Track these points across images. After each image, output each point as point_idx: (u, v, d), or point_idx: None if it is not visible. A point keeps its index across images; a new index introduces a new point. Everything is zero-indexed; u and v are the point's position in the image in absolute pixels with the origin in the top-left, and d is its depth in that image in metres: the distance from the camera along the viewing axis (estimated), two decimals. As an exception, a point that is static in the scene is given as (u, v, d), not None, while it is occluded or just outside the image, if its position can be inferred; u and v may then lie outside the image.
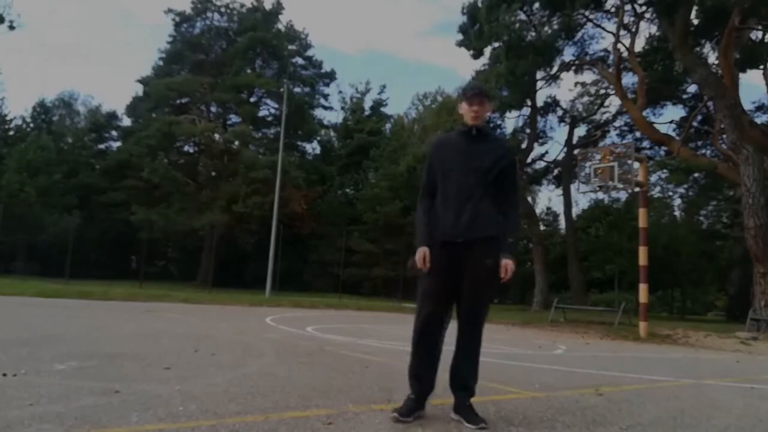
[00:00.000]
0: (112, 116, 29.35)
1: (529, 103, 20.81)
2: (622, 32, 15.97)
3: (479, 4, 17.16)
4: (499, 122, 22.33)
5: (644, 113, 16.41)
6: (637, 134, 20.21)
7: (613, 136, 22.19)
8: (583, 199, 30.46)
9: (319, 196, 26.21)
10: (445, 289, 2.08)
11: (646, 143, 20.51)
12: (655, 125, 17.44)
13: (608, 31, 17.73)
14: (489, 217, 2.08)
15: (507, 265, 2.05)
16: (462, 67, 75.65)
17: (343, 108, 32.86)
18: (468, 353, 2.13)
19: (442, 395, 2.16)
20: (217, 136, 24.72)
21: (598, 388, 3.16)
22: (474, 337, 2.13)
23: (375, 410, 2.21)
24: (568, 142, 22.48)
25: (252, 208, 21.72)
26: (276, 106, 26.80)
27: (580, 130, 23.80)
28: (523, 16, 17.18)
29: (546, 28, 17.82)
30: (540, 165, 24.48)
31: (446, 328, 2.14)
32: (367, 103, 32.19)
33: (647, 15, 16.32)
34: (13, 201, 19.37)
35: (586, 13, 17.23)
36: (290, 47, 23.10)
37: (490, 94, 2.25)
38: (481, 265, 2.04)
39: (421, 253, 2.12)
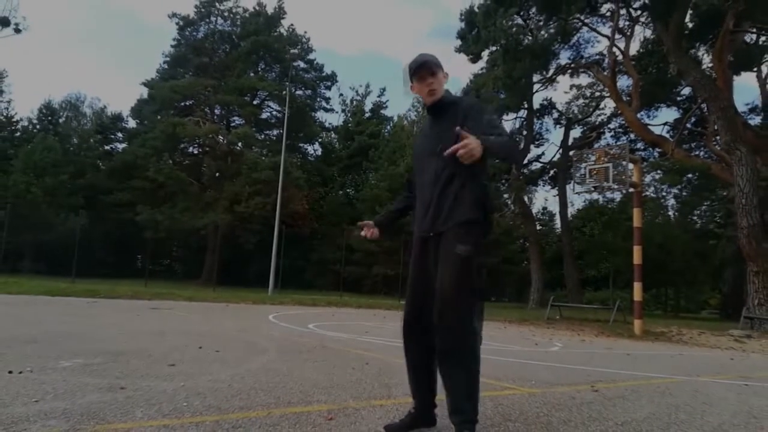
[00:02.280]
0: (118, 118, 29.57)
1: (526, 105, 20.95)
2: (617, 36, 16.15)
3: (476, 10, 17.28)
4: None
5: (638, 115, 16.59)
6: (632, 136, 20.41)
7: (607, 138, 22.44)
8: (578, 199, 30.67)
9: (321, 197, 26.31)
10: (426, 286, 1.79)
11: (640, 145, 20.71)
12: (649, 127, 17.62)
13: (603, 35, 17.92)
14: (459, 201, 1.75)
15: (464, 134, 1.56)
16: (461, 71, 75.77)
17: (343, 110, 32.99)
18: (452, 368, 1.70)
19: (441, 392, 2.18)
20: (220, 137, 24.88)
21: (593, 385, 3.21)
22: (460, 351, 1.69)
23: (375, 406, 2.24)
24: (564, 143, 22.64)
25: (254, 208, 21.85)
26: (278, 108, 26.93)
27: (576, 132, 24.06)
28: (519, 21, 17.35)
29: (542, 32, 17.99)
30: (536, 166, 24.67)
31: (429, 336, 1.81)
32: (368, 106, 32.37)
33: (642, 19, 16.51)
34: (20, 201, 19.51)
35: (582, 17, 17.38)
36: (292, 51, 23.20)
37: (439, 61, 1.85)
38: (450, 255, 1.70)
39: (363, 222, 2.09)
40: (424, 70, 1.83)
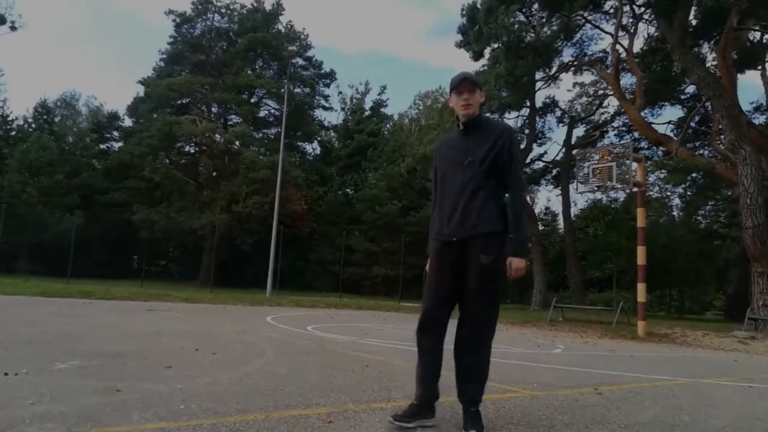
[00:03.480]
0: (114, 117, 29.38)
1: (528, 103, 20.88)
2: (621, 33, 16.04)
3: (478, 6, 17.22)
4: (498, 123, 22.31)
5: (642, 114, 16.47)
6: (636, 134, 20.30)
7: (611, 137, 22.34)
8: (581, 198, 30.51)
9: (320, 197, 26.26)
10: (443, 287, 1.98)
11: (644, 143, 20.59)
12: (653, 125, 17.51)
13: (607, 32, 17.84)
14: (484, 212, 1.94)
15: (511, 263, 1.92)
16: (462, 68, 75.54)
17: (343, 109, 32.93)
18: (473, 361, 1.97)
19: (442, 394, 2.16)
20: (217, 136, 24.76)
21: (596, 387, 3.20)
22: (479, 344, 1.97)
23: (374, 409, 2.23)
24: (567, 142, 22.53)
25: (252, 208, 21.76)
26: (276, 106, 26.84)
27: (579, 131, 23.93)
28: (522, 18, 17.26)
29: (545, 29, 17.91)
30: (539, 165, 24.59)
31: (443, 335, 2.03)
32: (367, 104, 32.27)
33: (646, 16, 16.41)
34: (16, 201, 19.40)
35: (585, 14, 17.31)
36: (290, 48, 23.05)
37: (479, 81, 2.08)
38: (476, 263, 1.90)
39: (428, 263, 2.10)
40: (463, 86, 2.02)
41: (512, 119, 21.74)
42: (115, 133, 29.05)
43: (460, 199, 1.96)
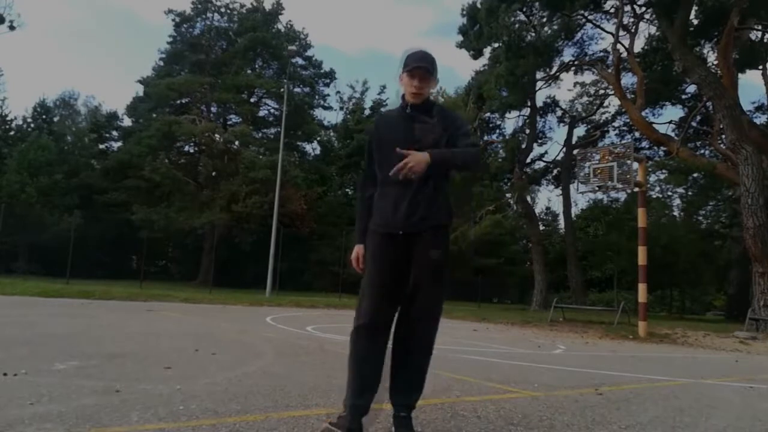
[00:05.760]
0: (113, 116, 29.26)
1: (529, 103, 20.86)
2: (622, 33, 16.02)
3: (479, 5, 17.21)
4: (498, 122, 22.35)
5: (643, 113, 16.45)
6: (637, 134, 20.29)
7: (612, 137, 22.33)
8: (582, 199, 30.53)
9: (319, 197, 26.24)
10: (386, 284, 1.77)
11: (645, 143, 20.58)
12: (654, 125, 17.48)
13: (607, 32, 17.82)
14: (433, 204, 1.77)
15: (405, 152, 1.68)
16: (462, 68, 75.77)
17: (342, 108, 32.95)
18: (414, 361, 1.81)
19: (442, 394, 2.15)
20: (217, 136, 24.70)
21: (597, 388, 3.18)
22: (423, 342, 1.81)
23: (374, 409, 2.19)
24: (568, 142, 22.53)
25: (252, 208, 21.75)
26: (276, 106, 26.81)
27: (580, 131, 23.93)
28: (522, 17, 17.24)
29: (546, 29, 17.89)
30: (539, 165, 24.58)
31: (389, 336, 1.83)
32: (367, 104, 32.31)
33: (646, 15, 16.40)
34: (14, 201, 19.35)
35: (586, 13, 17.29)
36: (290, 47, 23.04)
37: (435, 68, 1.85)
38: (426, 259, 1.75)
39: (355, 253, 1.89)
40: (417, 71, 1.82)
41: (513, 119, 21.73)
42: (115, 133, 28.92)
43: (408, 189, 1.75)
